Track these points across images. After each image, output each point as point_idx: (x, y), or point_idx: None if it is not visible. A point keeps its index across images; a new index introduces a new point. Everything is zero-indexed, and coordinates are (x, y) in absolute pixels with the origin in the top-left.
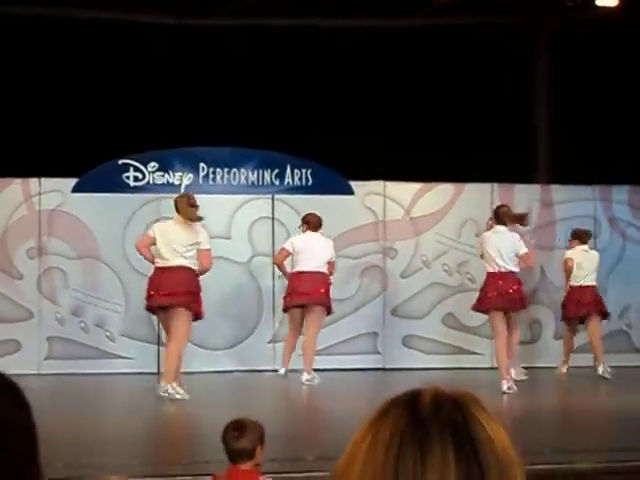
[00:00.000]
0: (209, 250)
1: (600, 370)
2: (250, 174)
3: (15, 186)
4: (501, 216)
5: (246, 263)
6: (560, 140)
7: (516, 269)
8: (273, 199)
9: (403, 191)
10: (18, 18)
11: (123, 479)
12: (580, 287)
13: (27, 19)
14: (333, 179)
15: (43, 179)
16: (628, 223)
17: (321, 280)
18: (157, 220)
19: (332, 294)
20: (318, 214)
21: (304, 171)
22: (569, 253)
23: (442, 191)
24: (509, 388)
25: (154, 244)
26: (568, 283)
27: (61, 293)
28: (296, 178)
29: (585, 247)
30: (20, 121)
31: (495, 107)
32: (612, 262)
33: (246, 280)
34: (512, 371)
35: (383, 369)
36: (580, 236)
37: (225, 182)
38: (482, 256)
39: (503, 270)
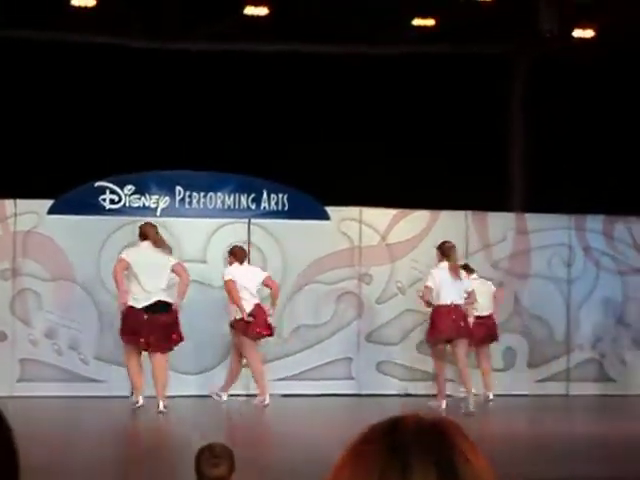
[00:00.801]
0: None
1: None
2: (226, 198)
3: None
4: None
5: (222, 287)
6: (535, 168)
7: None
8: (249, 223)
9: (379, 217)
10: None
11: None
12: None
13: (7, 41)
14: (309, 204)
15: (18, 200)
16: (602, 252)
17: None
18: (127, 244)
19: (306, 320)
20: (244, 247)
21: (280, 196)
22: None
23: (418, 218)
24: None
25: None
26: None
27: (35, 315)
28: (272, 203)
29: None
30: None
31: (471, 135)
32: (586, 291)
33: (221, 304)
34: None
35: (358, 395)
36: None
37: (201, 206)
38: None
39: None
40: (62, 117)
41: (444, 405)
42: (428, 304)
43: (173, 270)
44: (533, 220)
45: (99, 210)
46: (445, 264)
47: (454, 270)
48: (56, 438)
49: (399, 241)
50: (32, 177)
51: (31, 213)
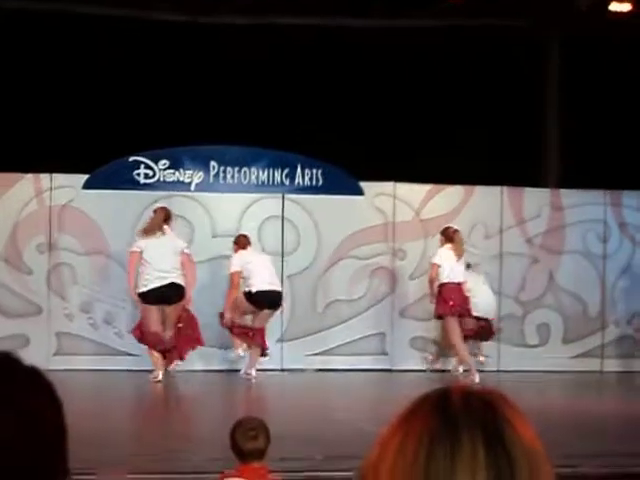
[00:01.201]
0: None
1: None
2: (260, 173)
3: (26, 181)
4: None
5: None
6: (571, 144)
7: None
8: (283, 198)
9: (413, 192)
10: (31, 14)
11: (123, 475)
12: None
13: (39, 15)
14: (343, 179)
15: (54, 175)
16: (638, 228)
17: None
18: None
19: (339, 295)
20: (247, 235)
21: (314, 171)
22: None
23: (452, 193)
24: None
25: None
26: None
27: (70, 289)
28: (306, 178)
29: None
30: (32, 117)
31: (506, 110)
32: (622, 267)
33: None
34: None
35: (390, 370)
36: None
37: (235, 181)
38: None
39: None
40: (98, 92)
41: (477, 379)
42: (432, 282)
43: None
44: (568, 196)
45: (133, 185)
46: (449, 245)
47: (458, 254)
48: (91, 411)
49: (433, 217)
50: (68, 152)
51: (67, 187)
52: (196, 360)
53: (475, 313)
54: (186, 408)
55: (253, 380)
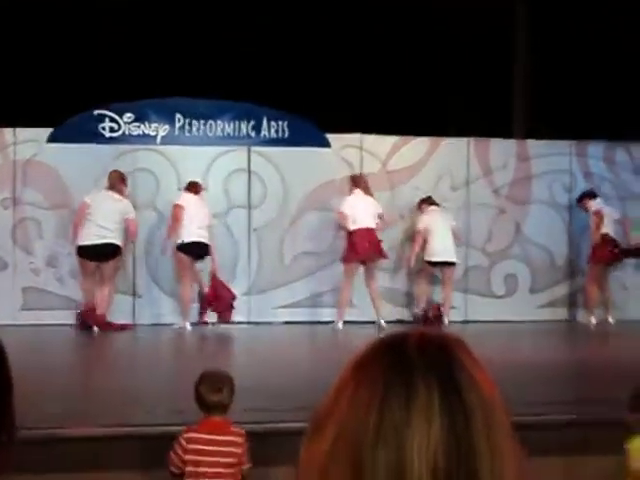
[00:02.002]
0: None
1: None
2: (226, 126)
3: None
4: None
5: (222, 215)
6: (537, 95)
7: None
8: (249, 151)
9: (380, 144)
10: None
11: (90, 428)
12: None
13: None
14: (310, 131)
15: (18, 129)
16: (603, 178)
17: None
18: (133, 171)
19: (306, 247)
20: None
21: (280, 123)
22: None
23: (419, 145)
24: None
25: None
26: None
27: (36, 243)
28: (272, 130)
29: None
30: None
31: (473, 61)
32: (587, 217)
33: (222, 232)
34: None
35: (358, 322)
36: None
37: (201, 133)
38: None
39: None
40: (61, 45)
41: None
42: (344, 229)
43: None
44: (534, 146)
45: (99, 138)
46: (357, 191)
47: (364, 195)
48: (57, 364)
49: (400, 168)
50: (32, 105)
51: (31, 141)
52: (168, 314)
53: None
54: (152, 362)
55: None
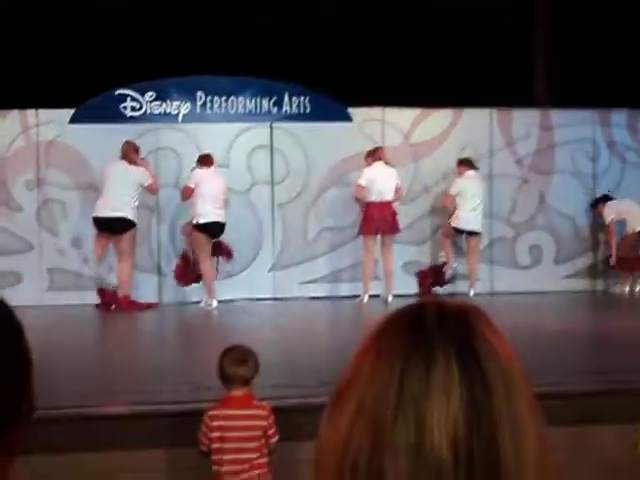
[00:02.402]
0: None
1: None
2: (248, 102)
3: (12, 117)
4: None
5: (245, 192)
6: (558, 64)
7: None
8: (271, 127)
9: (402, 117)
10: None
11: (118, 406)
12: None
13: None
14: (331, 106)
15: (40, 110)
16: (627, 147)
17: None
18: (156, 150)
19: (330, 222)
20: (210, 154)
21: (302, 99)
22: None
23: (441, 116)
24: None
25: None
26: None
27: (61, 224)
28: (294, 106)
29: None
30: (17, 52)
31: (493, 32)
32: (611, 186)
33: (245, 209)
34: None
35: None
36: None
37: (223, 111)
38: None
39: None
40: (82, 26)
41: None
42: (361, 202)
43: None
44: (557, 116)
45: (121, 118)
46: (377, 163)
47: (384, 167)
48: (85, 344)
49: (422, 141)
50: (53, 86)
51: (53, 123)
52: (194, 292)
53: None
54: (177, 340)
55: (215, 311)
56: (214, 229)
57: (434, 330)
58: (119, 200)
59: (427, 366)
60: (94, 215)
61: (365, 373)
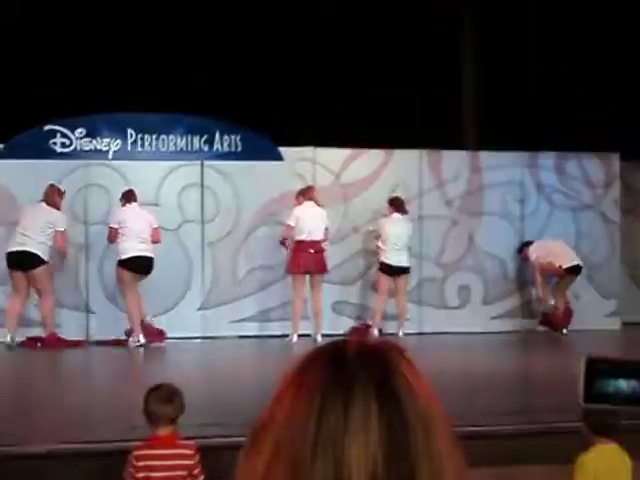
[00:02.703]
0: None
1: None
2: (179, 140)
3: None
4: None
5: (175, 230)
6: (488, 106)
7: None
8: (202, 165)
9: (333, 157)
10: None
11: (44, 445)
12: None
13: None
14: (263, 145)
15: None
16: (555, 189)
17: None
18: (86, 186)
19: (260, 261)
20: (133, 189)
21: (233, 137)
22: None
23: (372, 157)
24: None
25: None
26: None
27: None
28: (225, 144)
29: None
30: None
31: (423, 74)
32: (539, 227)
33: (175, 247)
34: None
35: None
36: None
37: (154, 148)
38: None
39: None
40: (11, 59)
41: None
42: (285, 241)
43: None
44: (486, 158)
45: (50, 154)
46: (307, 203)
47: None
48: (7, 382)
49: (353, 181)
50: None
51: None
52: (122, 330)
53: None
54: (103, 378)
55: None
56: (138, 265)
57: (353, 368)
58: (30, 237)
59: (346, 404)
60: (6, 251)
61: (283, 411)
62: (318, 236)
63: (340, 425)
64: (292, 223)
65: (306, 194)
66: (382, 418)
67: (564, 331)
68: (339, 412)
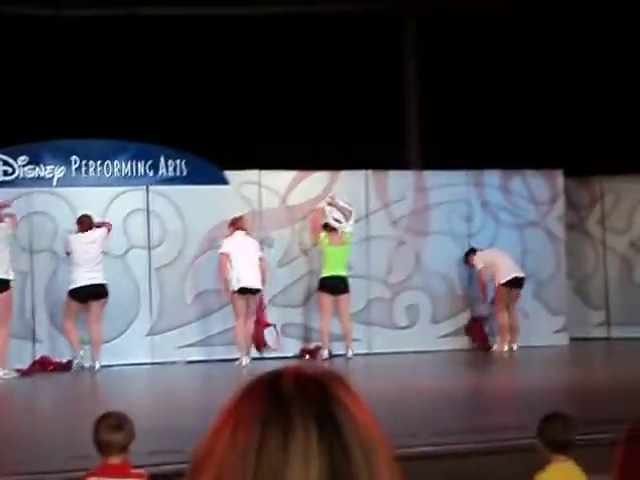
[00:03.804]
0: None
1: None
2: (124, 166)
3: None
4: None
5: (121, 256)
6: (431, 126)
7: None
8: (147, 190)
9: (278, 180)
10: None
11: None
12: None
13: None
14: (208, 169)
15: None
16: (500, 207)
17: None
18: (30, 214)
19: (209, 285)
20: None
21: (178, 162)
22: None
23: (317, 179)
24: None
25: None
26: None
27: None
28: (170, 169)
29: None
30: None
31: (367, 94)
32: (486, 245)
33: (122, 273)
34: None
35: (263, 358)
36: None
37: (98, 174)
38: None
39: None
40: None
41: None
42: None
43: None
44: (431, 177)
45: None
46: (238, 232)
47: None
48: None
49: (299, 203)
50: None
51: None
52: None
53: None
54: (52, 407)
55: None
56: (85, 294)
57: (292, 398)
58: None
59: (285, 435)
60: None
61: (223, 442)
62: (252, 263)
63: (280, 457)
64: (225, 251)
65: (237, 224)
66: (323, 449)
67: (514, 347)
68: (279, 444)
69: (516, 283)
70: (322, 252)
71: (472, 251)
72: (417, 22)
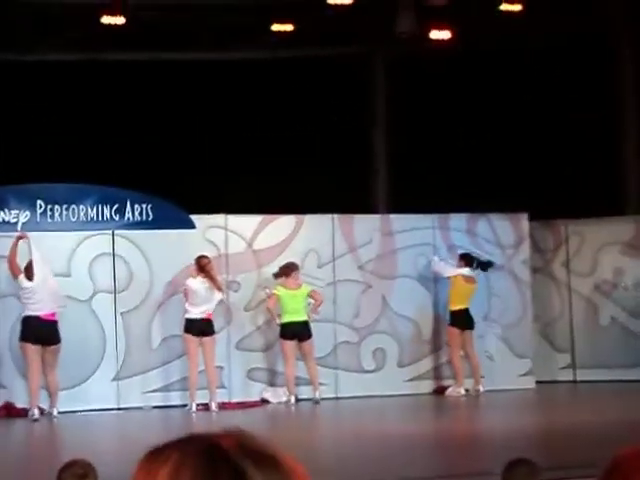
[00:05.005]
0: None
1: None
2: (89, 210)
3: None
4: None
5: (87, 300)
6: (398, 171)
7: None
8: (113, 235)
9: (245, 223)
10: None
11: None
12: None
13: None
14: (174, 213)
15: None
16: (466, 250)
17: None
18: None
19: (175, 330)
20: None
21: (144, 206)
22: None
23: (284, 223)
24: None
25: None
26: None
27: None
28: (136, 213)
29: None
30: None
31: (333, 139)
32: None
33: (87, 317)
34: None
35: (229, 403)
36: None
37: (64, 219)
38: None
39: None
40: None
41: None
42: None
43: None
44: (398, 221)
45: None
46: (199, 277)
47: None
48: None
49: (266, 247)
50: None
51: None
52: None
53: None
54: (12, 455)
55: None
56: (41, 334)
57: (194, 463)
58: None
59: None
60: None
61: None
62: (211, 308)
63: None
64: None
65: (199, 265)
66: None
67: (480, 389)
68: None
69: (467, 323)
70: (279, 298)
71: (467, 257)
72: (385, 68)
